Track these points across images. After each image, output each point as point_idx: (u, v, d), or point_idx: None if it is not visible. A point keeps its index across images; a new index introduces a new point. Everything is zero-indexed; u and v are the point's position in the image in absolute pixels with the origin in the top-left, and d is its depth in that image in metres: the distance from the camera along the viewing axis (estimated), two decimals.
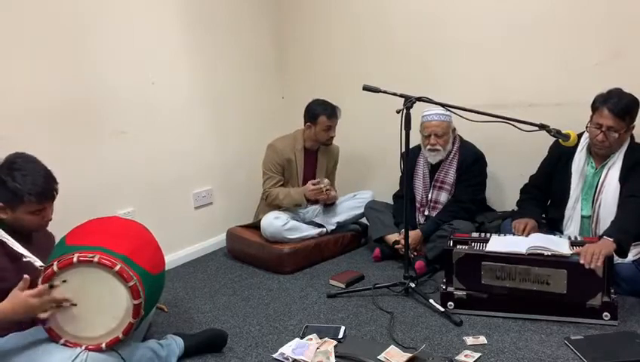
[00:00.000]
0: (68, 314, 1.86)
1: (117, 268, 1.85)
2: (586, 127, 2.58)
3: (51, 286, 1.83)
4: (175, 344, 2.18)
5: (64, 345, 1.86)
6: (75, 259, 1.83)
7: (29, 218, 1.96)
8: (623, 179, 2.53)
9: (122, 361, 1.90)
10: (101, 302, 1.88)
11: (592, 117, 2.56)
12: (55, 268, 1.82)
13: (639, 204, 2.44)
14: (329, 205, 3.40)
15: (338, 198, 3.43)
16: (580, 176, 2.65)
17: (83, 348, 1.86)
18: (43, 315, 1.80)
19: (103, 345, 1.88)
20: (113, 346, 1.89)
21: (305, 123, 3.32)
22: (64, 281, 1.84)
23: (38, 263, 1.87)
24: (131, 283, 1.86)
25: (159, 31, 3.15)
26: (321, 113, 3.24)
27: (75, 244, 1.93)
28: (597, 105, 2.53)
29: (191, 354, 2.22)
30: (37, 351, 1.84)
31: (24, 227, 1.98)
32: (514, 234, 2.63)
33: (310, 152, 3.38)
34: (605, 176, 2.58)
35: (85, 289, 1.86)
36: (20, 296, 1.77)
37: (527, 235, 2.58)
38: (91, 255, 1.85)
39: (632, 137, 2.61)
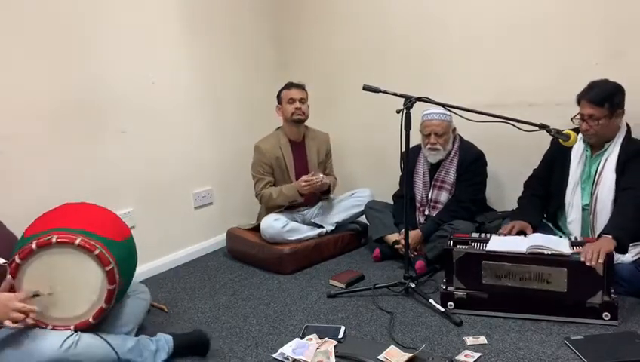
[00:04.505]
0: (49, 300, 1.88)
1: (77, 241, 1.86)
2: (572, 120, 2.63)
3: (35, 296, 1.85)
4: (164, 340, 2.19)
5: (53, 329, 1.89)
6: (34, 246, 1.84)
7: None
8: (620, 171, 2.56)
9: (113, 351, 1.94)
10: (75, 280, 1.90)
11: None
12: (17, 260, 1.84)
13: (635, 197, 2.46)
14: (326, 192, 3.40)
15: (334, 185, 3.43)
16: (579, 161, 2.69)
17: (72, 327, 1.89)
18: (10, 324, 1.79)
19: (90, 319, 1.91)
20: (100, 317, 1.93)
21: (277, 112, 3.36)
22: (50, 294, 1.86)
23: (1, 261, 1.90)
24: (97, 252, 1.88)
25: (159, 31, 3.15)
26: (282, 90, 3.33)
27: (32, 234, 1.94)
28: (579, 97, 2.61)
29: (180, 353, 2.22)
30: (30, 336, 1.86)
31: None
32: (499, 235, 2.64)
33: (296, 144, 3.37)
34: (603, 167, 2.61)
35: (55, 273, 1.88)
36: (1, 296, 1.80)
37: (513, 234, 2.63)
38: (48, 237, 1.86)
39: (629, 130, 2.64)
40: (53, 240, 1.85)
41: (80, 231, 1.92)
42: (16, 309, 1.79)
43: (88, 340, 1.90)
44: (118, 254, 1.99)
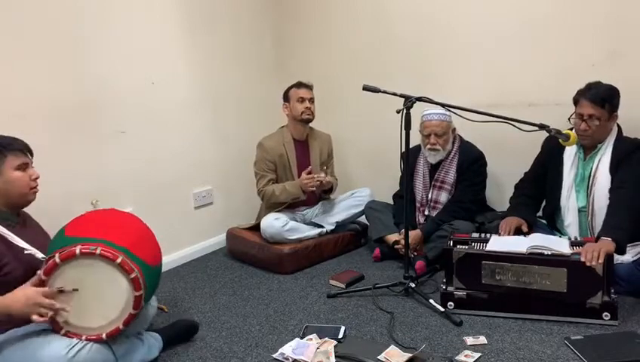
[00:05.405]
0: (74, 301, 1.88)
1: (119, 260, 1.88)
2: (568, 120, 2.63)
3: (60, 291, 1.85)
4: (152, 337, 2.21)
5: (65, 335, 1.89)
6: (77, 251, 1.85)
7: (17, 175, 2.00)
8: (614, 171, 2.57)
9: (113, 355, 1.95)
10: (102, 293, 1.90)
11: (575, 110, 2.63)
12: (57, 259, 1.84)
13: (628, 196, 2.47)
14: (327, 192, 3.41)
15: (334, 186, 3.44)
16: (572, 164, 2.69)
17: (83, 338, 1.89)
18: (37, 319, 1.80)
19: (104, 335, 1.91)
20: (113, 336, 1.93)
21: (284, 110, 3.36)
22: (75, 290, 1.87)
23: (40, 255, 1.91)
24: (133, 275, 1.89)
25: (159, 31, 3.15)
26: (290, 88, 3.33)
27: (76, 236, 1.95)
28: (577, 97, 2.62)
29: (170, 344, 2.27)
30: (36, 341, 1.86)
31: (15, 190, 2.01)
32: (499, 234, 2.65)
33: (300, 143, 3.38)
34: (597, 168, 2.62)
35: (86, 281, 1.88)
36: (27, 290, 1.81)
37: (512, 234, 2.63)
38: (93, 247, 1.87)
39: (620, 130, 2.65)
40: (98, 251, 1.86)
41: (123, 249, 1.93)
42: (44, 305, 1.80)
43: (94, 347, 1.89)
44: (149, 278, 2.01)
